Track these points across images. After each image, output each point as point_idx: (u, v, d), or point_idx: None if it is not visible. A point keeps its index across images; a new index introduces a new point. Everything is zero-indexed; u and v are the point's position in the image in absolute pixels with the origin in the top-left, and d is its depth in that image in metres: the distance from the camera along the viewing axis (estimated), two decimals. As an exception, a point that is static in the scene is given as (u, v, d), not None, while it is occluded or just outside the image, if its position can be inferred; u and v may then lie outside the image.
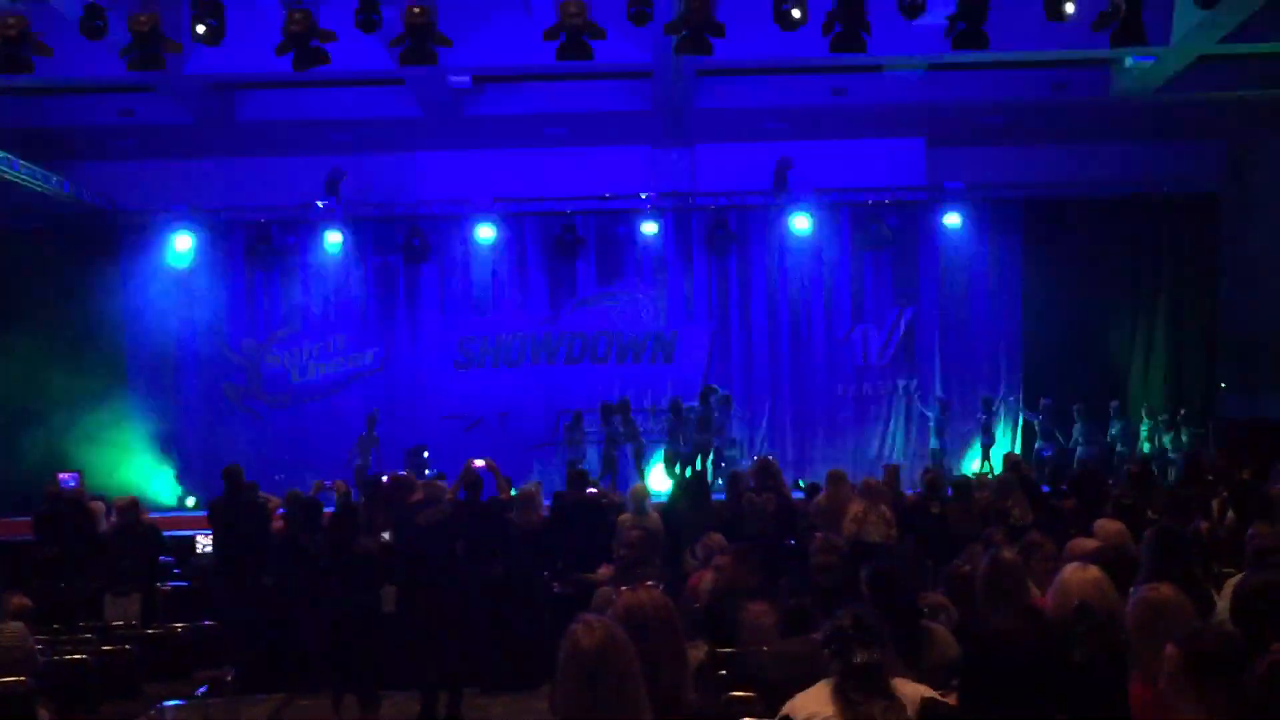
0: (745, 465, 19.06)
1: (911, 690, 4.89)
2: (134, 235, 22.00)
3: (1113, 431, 20.98)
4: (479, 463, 15.97)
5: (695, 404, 20.89)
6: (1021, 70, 19.53)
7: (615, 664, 3.94)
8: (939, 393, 21.93)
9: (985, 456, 21.12)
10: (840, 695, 4.84)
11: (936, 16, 15.10)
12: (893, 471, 16.33)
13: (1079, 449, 20.69)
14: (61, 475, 18.52)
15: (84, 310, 21.41)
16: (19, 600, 8.66)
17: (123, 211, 22.04)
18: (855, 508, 13.52)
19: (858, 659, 4.84)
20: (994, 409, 21.41)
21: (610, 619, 4.18)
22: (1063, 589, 5.60)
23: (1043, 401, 21.16)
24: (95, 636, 9.97)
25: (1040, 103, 20.28)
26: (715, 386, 21.27)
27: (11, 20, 14.17)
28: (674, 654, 4.49)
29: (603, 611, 4.84)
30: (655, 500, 14.74)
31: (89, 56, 16.25)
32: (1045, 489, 15.41)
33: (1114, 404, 21.17)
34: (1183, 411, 21.08)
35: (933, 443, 21.39)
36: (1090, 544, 7.15)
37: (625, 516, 13.27)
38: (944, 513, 13.93)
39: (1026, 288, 22.32)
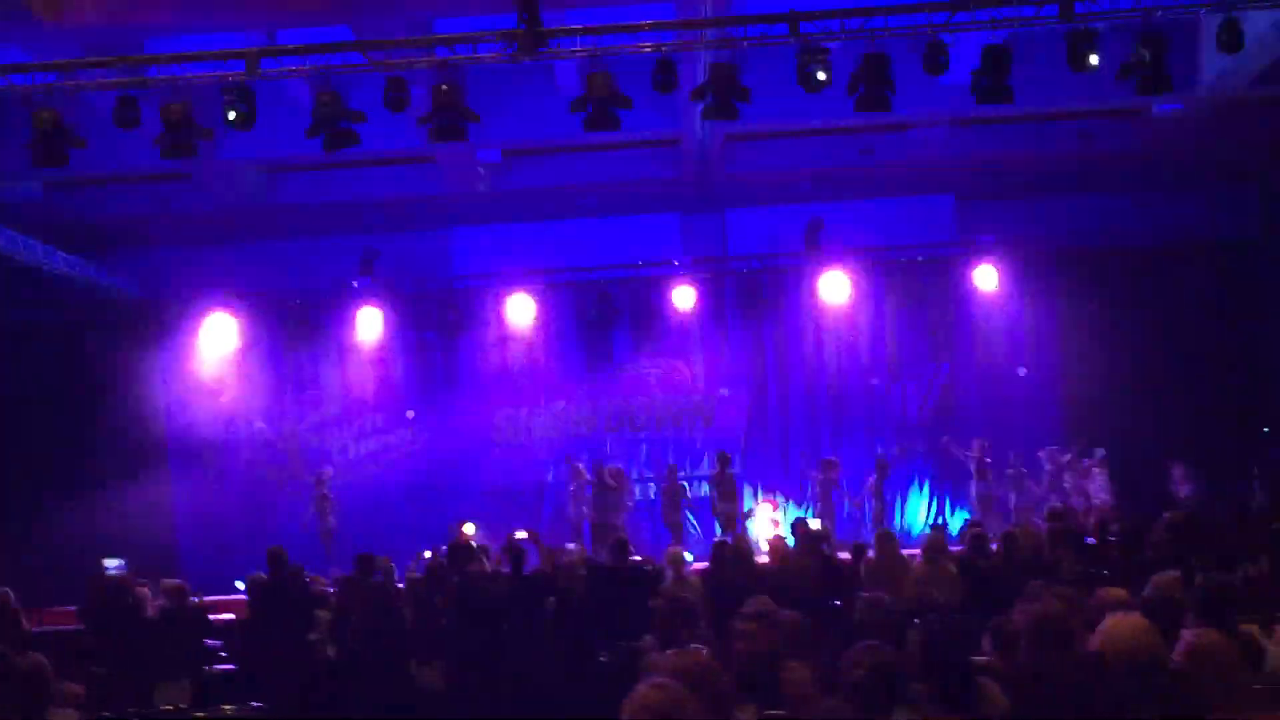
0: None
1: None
2: (173, 321, 22.17)
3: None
4: (521, 534, 15.99)
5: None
6: (1049, 122, 19.55)
7: None
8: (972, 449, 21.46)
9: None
10: None
11: (960, 73, 15.19)
12: (946, 532, 16.18)
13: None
14: (107, 562, 18.58)
15: (125, 398, 21.59)
16: (71, 688, 8.66)
17: (162, 300, 22.24)
18: (919, 568, 13.49)
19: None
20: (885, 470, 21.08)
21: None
22: (1109, 637, 5.55)
23: (1098, 453, 20.69)
24: (145, 722, 9.97)
25: (1069, 154, 20.28)
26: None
27: (46, 114, 14.41)
28: (720, 717, 4.47)
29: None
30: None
31: (123, 147, 16.47)
32: (1089, 540, 15.24)
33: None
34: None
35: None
36: (1119, 593, 7.08)
37: (666, 585, 13.21)
38: (990, 568, 13.81)
39: (1063, 339, 22.15)
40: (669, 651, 5.14)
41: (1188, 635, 4.70)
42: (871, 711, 4.84)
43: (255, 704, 11.66)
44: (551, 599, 12.85)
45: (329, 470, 21.35)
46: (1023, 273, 22.16)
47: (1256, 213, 22.02)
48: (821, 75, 14.60)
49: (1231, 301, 21.98)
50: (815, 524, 17.58)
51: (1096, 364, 21.53)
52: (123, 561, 18.77)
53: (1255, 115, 19.40)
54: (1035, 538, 14.41)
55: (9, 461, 21.65)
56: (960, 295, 22.26)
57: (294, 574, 14.51)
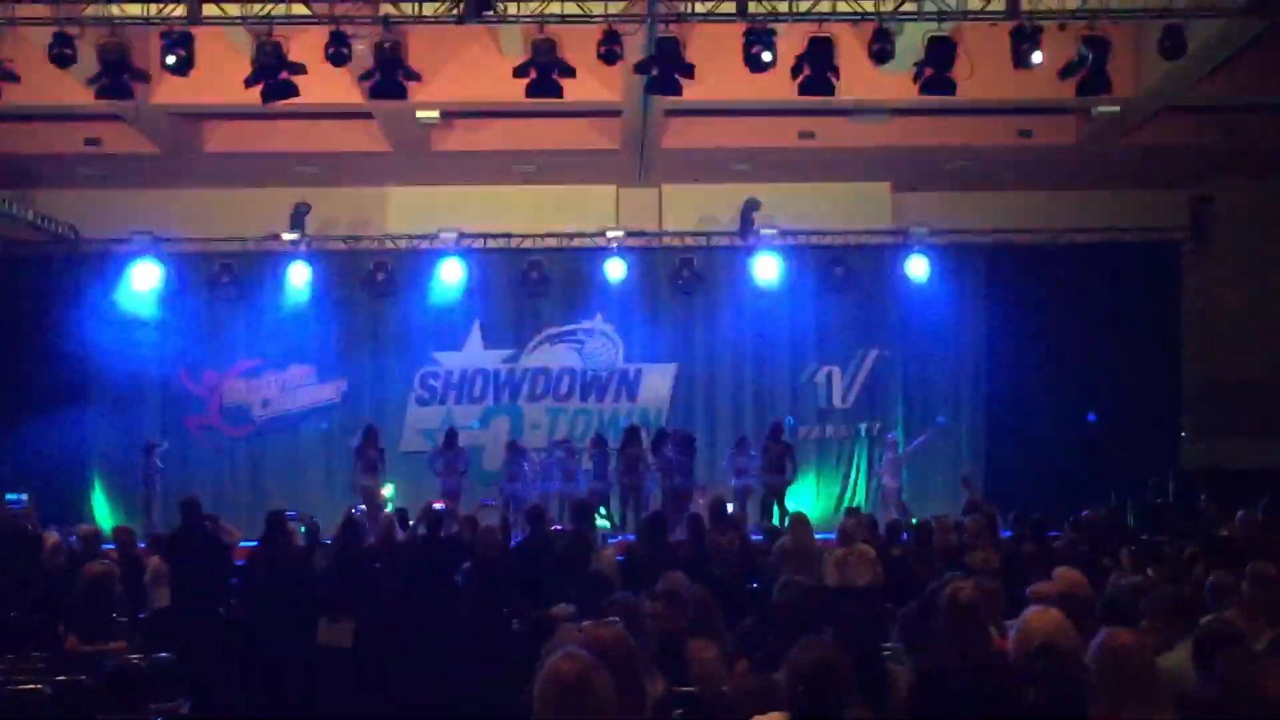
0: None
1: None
2: (98, 264, 21.87)
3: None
4: (439, 504, 15.94)
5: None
6: (989, 116, 19.64)
7: (594, 693, 3.93)
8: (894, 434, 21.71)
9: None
10: None
11: (905, 62, 15.23)
12: (863, 517, 16.20)
13: None
14: (9, 496, 18.32)
15: (46, 338, 21.27)
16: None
17: (86, 240, 21.95)
18: (838, 551, 13.57)
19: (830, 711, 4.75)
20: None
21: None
22: (1026, 631, 5.58)
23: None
24: (49, 666, 9.81)
25: (1007, 149, 20.41)
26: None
27: (-22, 46, 14.14)
28: (634, 689, 4.46)
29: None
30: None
31: (57, 84, 16.18)
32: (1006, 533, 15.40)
33: None
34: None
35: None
36: (1053, 588, 7.14)
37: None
38: (904, 556, 13.91)
39: (990, 333, 22.30)
40: (585, 623, 5.11)
41: (1103, 633, 4.72)
42: (817, 709, 4.81)
43: (161, 655, 11.50)
44: (466, 564, 12.78)
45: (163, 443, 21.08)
46: (955, 264, 22.27)
47: (1187, 215, 22.11)
48: (767, 56, 14.62)
49: (1158, 302, 22.13)
50: (730, 506, 17.64)
51: (1022, 357, 21.72)
52: (24, 497, 18.49)
53: (1190, 120, 19.65)
54: (949, 529, 14.51)
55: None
56: (892, 284, 22.29)
57: (209, 523, 14.38)
